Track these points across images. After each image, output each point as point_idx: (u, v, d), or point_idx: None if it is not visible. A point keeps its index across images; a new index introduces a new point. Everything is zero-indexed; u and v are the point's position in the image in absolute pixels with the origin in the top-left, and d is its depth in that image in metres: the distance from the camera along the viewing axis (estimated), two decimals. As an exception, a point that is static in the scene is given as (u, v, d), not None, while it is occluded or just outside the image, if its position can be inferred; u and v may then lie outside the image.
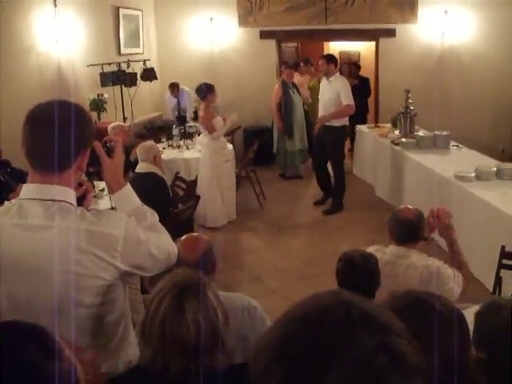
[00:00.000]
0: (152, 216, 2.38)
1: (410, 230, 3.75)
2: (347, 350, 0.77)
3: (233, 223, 8.35)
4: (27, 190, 2.10)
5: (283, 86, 10.43)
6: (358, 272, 3.27)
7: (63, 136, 1.98)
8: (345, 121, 8.60)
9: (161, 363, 1.97)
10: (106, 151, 2.26)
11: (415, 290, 0.91)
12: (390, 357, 0.78)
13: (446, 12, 11.15)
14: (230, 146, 8.73)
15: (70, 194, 2.10)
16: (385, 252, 3.78)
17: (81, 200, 2.26)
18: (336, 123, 8.48)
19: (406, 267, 3.64)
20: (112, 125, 7.23)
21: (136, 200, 2.35)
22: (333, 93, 8.46)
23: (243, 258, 7.17)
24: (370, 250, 3.78)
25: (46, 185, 2.05)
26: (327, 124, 8.54)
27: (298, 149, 10.56)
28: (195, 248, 2.93)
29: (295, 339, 0.81)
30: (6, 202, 2.15)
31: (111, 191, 2.32)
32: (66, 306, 1.99)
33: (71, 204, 2.08)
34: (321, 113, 8.72)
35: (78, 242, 1.99)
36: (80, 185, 2.28)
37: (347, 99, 8.39)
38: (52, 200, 2.04)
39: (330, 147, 8.64)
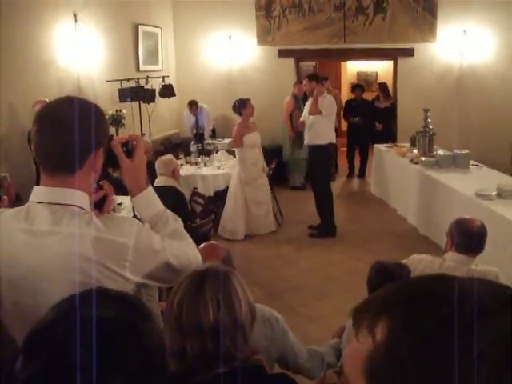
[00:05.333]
0: (175, 222, 2.21)
1: (477, 241, 3.84)
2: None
3: (252, 241, 8.31)
4: (36, 192, 1.96)
5: (295, 98, 11.00)
6: (392, 280, 3.23)
7: (71, 135, 1.82)
8: (331, 139, 8.26)
9: (177, 345, 1.88)
10: (126, 152, 2.10)
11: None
12: (501, 350, 0.76)
13: (464, 32, 11.13)
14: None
15: (81, 198, 1.93)
16: (445, 258, 3.86)
17: (101, 203, 2.13)
18: (321, 141, 8.16)
19: (467, 272, 3.69)
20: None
21: (158, 204, 2.18)
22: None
23: (262, 274, 7.09)
24: (422, 257, 3.92)
25: (55, 187, 1.91)
26: (312, 143, 8.28)
27: (302, 157, 10.84)
28: (214, 255, 2.93)
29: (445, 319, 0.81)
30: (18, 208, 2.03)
31: (131, 195, 2.15)
32: None
33: (81, 208, 1.93)
34: (306, 132, 8.42)
35: (83, 250, 1.84)
36: (100, 187, 2.13)
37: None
38: (60, 204, 1.90)
39: (315, 167, 8.56)
